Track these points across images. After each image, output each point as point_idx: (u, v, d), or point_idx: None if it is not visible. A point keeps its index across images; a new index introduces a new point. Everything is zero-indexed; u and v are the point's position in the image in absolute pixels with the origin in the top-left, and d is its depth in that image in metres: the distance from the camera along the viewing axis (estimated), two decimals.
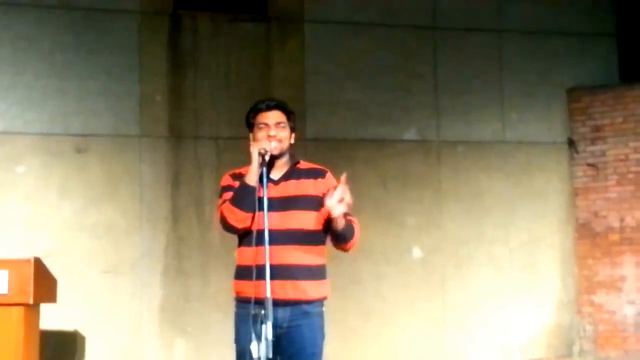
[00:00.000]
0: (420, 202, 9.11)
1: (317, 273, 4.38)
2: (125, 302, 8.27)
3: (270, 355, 3.96)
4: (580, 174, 9.49)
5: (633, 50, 9.78)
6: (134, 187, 8.43)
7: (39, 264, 6.28)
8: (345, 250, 4.41)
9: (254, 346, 4.00)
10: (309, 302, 4.33)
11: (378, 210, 8.86)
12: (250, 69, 8.96)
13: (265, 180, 4.22)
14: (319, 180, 4.43)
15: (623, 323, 9.14)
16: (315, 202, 4.32)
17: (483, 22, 9.59)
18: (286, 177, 4.37)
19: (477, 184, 9.26)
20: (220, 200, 4.36)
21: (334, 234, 4.29)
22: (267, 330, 3.96)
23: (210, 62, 8.87)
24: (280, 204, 4.27)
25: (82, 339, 8.07)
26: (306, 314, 4.32)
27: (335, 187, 4.15)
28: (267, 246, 4.08)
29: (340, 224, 4.21)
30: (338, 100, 9.13)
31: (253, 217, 4.22)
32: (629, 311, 9.15)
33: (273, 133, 4.38)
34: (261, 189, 4.21)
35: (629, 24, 9.87)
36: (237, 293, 4.36)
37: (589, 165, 9.44)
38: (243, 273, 4.28)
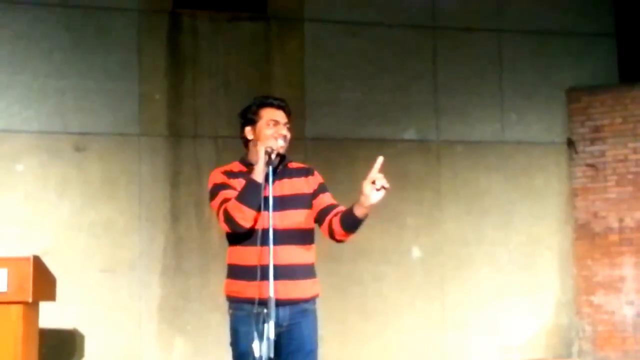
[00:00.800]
0: (420, 202, 9.11)
1: (311, 271, 4.39)
2: (124, 302, 8.25)
3: (272, 355, 3.92)
4: (579, 174, 9.48)
5: (632, 51, 9.76)
6: (132, 186, 8.42)
7: (38, 262, 6.26)
8: (344, 240, 4.32)
9: (255, 345, 3.96)
10: (307, 300, 4.33)
11: (378, 211, 8.74)
12: (250, 68, 8.95)
13: (271, 178, 4.17)
14: (310, 177, 4.42)
15: (622, 323, 9.13)
16: (308, 200, 4.35)
17: (482, 22, 9.58)
18: (280, 176, 4.32)
19: (476, 185, 9.25)
20: (220, 198, 4.28)
21: (354, 223, 4.18)
22: (270, 329, 3.92)
23: (210, 61, 8.86)
24: (278, 203, 4.21)
25: (81, 337, 8.05)
26: (304, 311, 4.33)
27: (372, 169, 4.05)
28: (271, 246, 4.02)
29: (367, 213, 4.12)
30: (338, 99, 9.12)
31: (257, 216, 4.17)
32: (628, 312, 9.15)
33: (285, 132, 4.34)
34: (266, 188, 4.15)
35: (628, 24, 9.85)
36: (234, 294, 4.32)
37: (588, 165, 9.43)
38: (242, 273, 4.24)
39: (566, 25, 9.81)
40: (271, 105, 4.43)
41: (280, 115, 4.39)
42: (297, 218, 4.31)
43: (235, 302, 4.32)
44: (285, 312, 4.17)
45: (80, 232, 8.21)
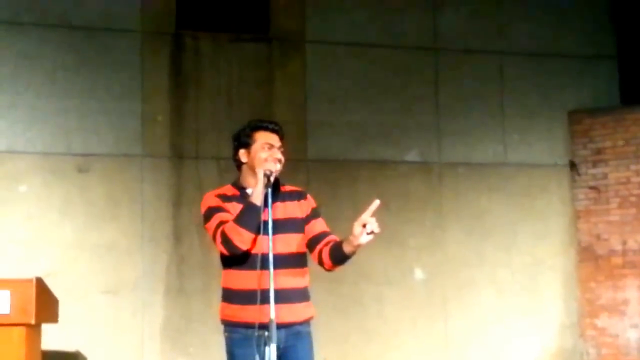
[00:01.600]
0: (422, 223, 9.09)
1: (305, 294, 4.42)
2: (126, 322, 8.22)
3: None
4: (581, 196, 9.48)
5: (634, 73, 9.79)
6: (135, 206, 8.40)
7: (40, 284, 6.24)
8: (332, 270, 4.39)
9: None
10: (301, 323, 4.37)
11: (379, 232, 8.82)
12: (252, 88, 8.96)
13: (270, 201, 4.19)
14: (302, 201, 4.45)
15: (626, 347, 9.10)
16: (301, 225, 4.39)
17: (484, 43, 9.60)
18: (273, 199, 4.30)
19: (478, 206, 9.24)
20: (216, 221, 4.30)
21: (342, 258, 4.24)
22: (272, 352, 3.95)
23: (212, 81, 8.86)
24: (276, 228, 4.21)
25: (84, 359, 8.03)
26: (299, 334, 4.36)
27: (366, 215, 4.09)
28: (271, 269, 4.04)
29: (355, 251, 4.17)
30: (339, 121, 9.12)
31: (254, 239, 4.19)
32: (632, 335, 9.12)
33: (279, 156, 4.36)
34: (264, 211, 4.16)
35: (629, 46, 9.89)
36: (230, 317, 4.34)
37: (591, 188, 9.43)
38: (239, 297, 4.28)
39: (567, 47, 9.84)
40: (266, 129, 4.45)
41: (274, 139, 4.42)
42: (291, 242, 4.34)
43: (231, 326, 4.34)
44: (280, 334, 4.14)
45: (83, 253, 8.19)
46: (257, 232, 4.16)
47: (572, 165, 9.53)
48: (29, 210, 8.16)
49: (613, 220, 9.30)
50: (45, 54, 8.45)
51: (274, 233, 4.17)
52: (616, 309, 9.20)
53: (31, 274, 6.80)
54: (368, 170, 9.02)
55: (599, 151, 9.48)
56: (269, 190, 4.20)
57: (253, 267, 4.12)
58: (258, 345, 4.03)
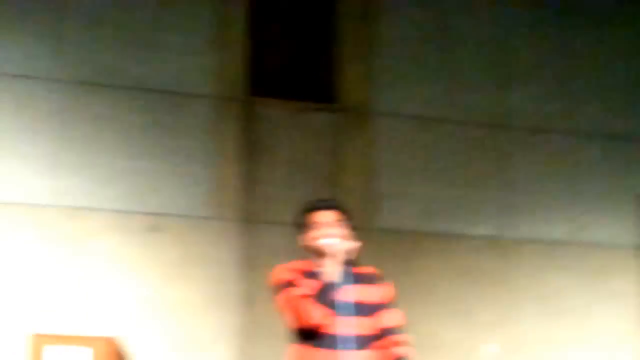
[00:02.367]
0: (492, 299, 8.98)
1: None
2: None
3: None
4: None
5: None
6: (206, 268, 8.37)
7: (119, 344, 6.26)
8: None
9: None
10: None
11: (447, 305, 8.76)
12: (321, 157, 8.99)
13: (342, 280, 4.25)
14: (381, 287, 4.48)
15: None
16: (377, 309, 4.41)
17: (555, 123, 9.59)
18: (353, 281, 4.36)
19: (549, 284, 9.13)
20: (288, 294, 4.32)
21: None
22: None
23: (282, 148, 8.91)
24: (356, 309, 4.28)
25: None
26: None
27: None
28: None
29: None
30: (407, 192, 9.10)
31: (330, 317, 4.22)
32: None
33: (329, 231, 4.37)
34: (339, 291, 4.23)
35: None
36: None
37: None
38: None
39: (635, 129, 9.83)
40: (317, 209, 4.45)
41: (326, 216, 4.39)
42: (367, 325, 4.35)
43: None
44: None
45: (154, 313, 8.16)
46: (331, 308, 4.18)
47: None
48: (103, 266, 8.18)
49: None
50: (120, 115, 8.55)
51: (358, 315, 4.27)
52: None
53: (103, 332, 6.85)
54: (437, 243, 8.96)
55: None
56: (342, 269, 4.26)
57: (329, 347, 4.17)
58: None
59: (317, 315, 4.19)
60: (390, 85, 9.33)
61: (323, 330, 4.21)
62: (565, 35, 9.77)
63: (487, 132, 9.45)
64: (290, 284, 4.32)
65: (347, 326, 4.19)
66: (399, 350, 4.42)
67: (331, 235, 4.30)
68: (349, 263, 4.40)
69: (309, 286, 4.26)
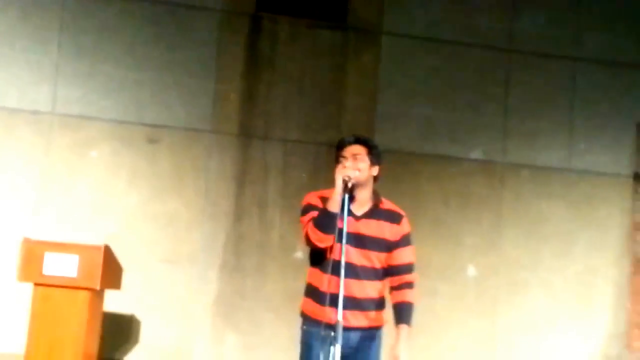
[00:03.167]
0: (480, 223, 9.14)
1: (382, 303, 4.81)
2: (181, 293, 8.43)
3: None
4: None
5: None
6: (199, 181, 8.59)
7: (108, 252, 6.50)
8: None
9: None
10: (377, 328, 4.78)
11: (437, 227, 8.92)
12: (325, 75, 9.08)
13: (346, 206, 4.46)
14: (395, 225, 4.71)
15: None
16: (388, 246, 4.69)
17: (559, 49, 9.56)
18: (368, 215, 4.66)
19: (538, 210, 9.25)
20: (307, 218, 4.61)
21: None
22: (336, 352, 4.24)
23: (286, 65, 9.00)
24: (359, 241, 4.59)
25: (138, 324, 8.27)
26: (373, 337, 4.80)
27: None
28: (342, 278, 4.37)
29: None
30: (408, 114, 9.19)
31: (334, 241, 4.48)
32: None
33: (353, 164, 4.57)
34: (342, 218, 4.45)
35: None
36: (309, 313, 4.72)
37: None
38: (316, 296, 4.64)
39: None
40: (347, 144, 4.70)
41: (353, 150, 4.65)
42: (374, 258, 4.67)
43: (309, 321, 4.71)
44: (356, 335, 4.63)
45: (146, 222, 8.42)
46: (332, 233, 4.44)
47: (636, 177, 9.48)
48: (97, 176, 8.42)
49: None
50: (125, 27, 8.67)
51: (361, 247, 4.59)
52: None
53: (94, 237, 7.07)
54: (432, 166, 9.07)
55: None
56: (347, 196, 4.45)
57: (332, 272, 4.42)
58: (324, 344, 4.37)
59: (315, 237, 4.49)
60: (400, 5, 9.35)
61: (329, 256, 4.46)
62: None
63: (490, 56, 9.45)
64: (312, 207, 4.63)
65: (351, 256, 4.50)
66: (407, 295, 4.81)
67: (348, 167, 4.53)
68: (375, 199, 4.69)
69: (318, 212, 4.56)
